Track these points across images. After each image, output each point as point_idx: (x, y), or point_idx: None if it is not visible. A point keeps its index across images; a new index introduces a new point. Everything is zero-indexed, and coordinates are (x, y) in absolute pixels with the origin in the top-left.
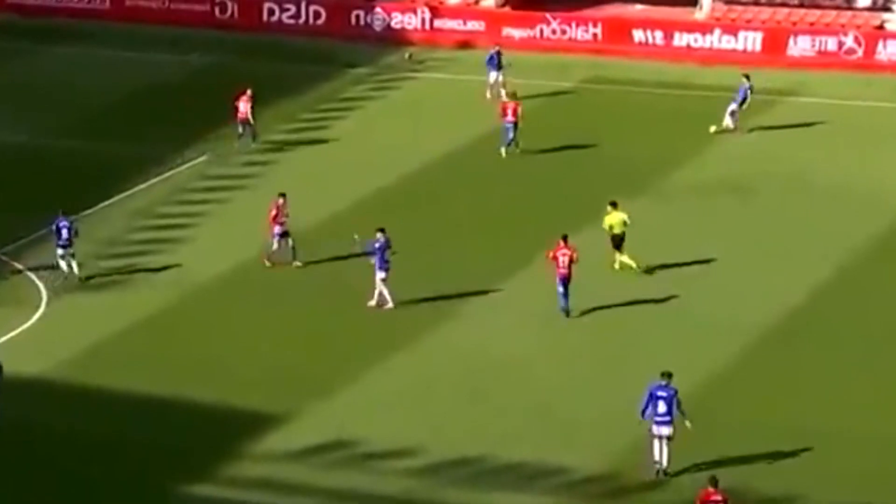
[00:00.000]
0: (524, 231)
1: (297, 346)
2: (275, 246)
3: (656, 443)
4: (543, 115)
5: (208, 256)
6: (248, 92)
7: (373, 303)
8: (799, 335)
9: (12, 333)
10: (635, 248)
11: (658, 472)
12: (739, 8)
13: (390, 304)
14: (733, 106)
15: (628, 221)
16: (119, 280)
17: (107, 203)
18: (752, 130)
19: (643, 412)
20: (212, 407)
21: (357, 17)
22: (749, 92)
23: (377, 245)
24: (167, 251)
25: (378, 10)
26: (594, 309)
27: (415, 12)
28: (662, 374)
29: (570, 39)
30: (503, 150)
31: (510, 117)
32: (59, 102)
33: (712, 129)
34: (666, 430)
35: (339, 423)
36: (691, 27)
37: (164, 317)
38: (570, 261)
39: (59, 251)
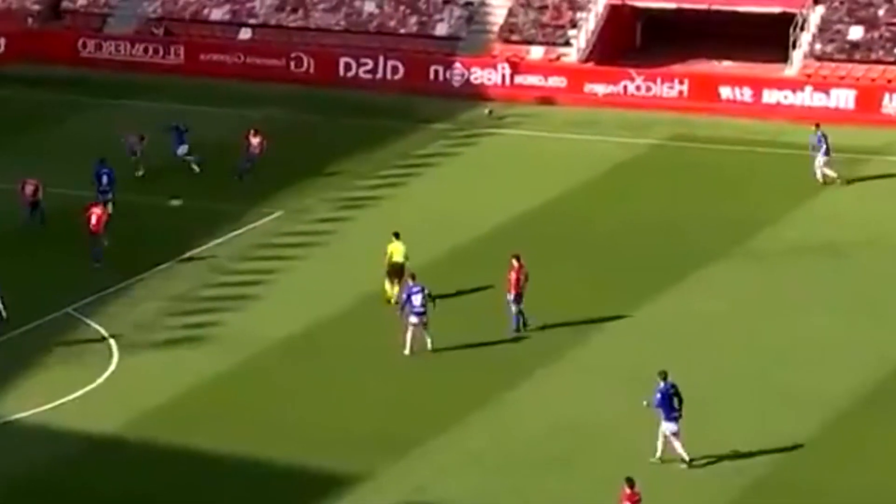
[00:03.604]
0: (607, 293)
1: (371, 405)
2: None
3: (676, 440)
4: (627, 173)
5: (280, 314)
6: None
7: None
8: (891, 403)
9: (81, 391)
10: (725, 310)
11: (657, 460)
12: (832, 65)
13: (406, 351)
14: (820, 159)
15: (408, 256)
16: (189, 337)
17: (179, 259)
18: (847, 185)
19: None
20: (284, 468)
21: (436, 72)
22: (823, 140)
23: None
24: (238, 308)
25: (458, 65)
26: (678, 373)
27: (495, 68)
28: (660, 374)
29: (654, 96)
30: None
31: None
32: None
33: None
34: (674, 427)
35: (418, 485)
36: (781, 84)
37: (234, 375)
38: (526, 279)
39: (100, 197)
